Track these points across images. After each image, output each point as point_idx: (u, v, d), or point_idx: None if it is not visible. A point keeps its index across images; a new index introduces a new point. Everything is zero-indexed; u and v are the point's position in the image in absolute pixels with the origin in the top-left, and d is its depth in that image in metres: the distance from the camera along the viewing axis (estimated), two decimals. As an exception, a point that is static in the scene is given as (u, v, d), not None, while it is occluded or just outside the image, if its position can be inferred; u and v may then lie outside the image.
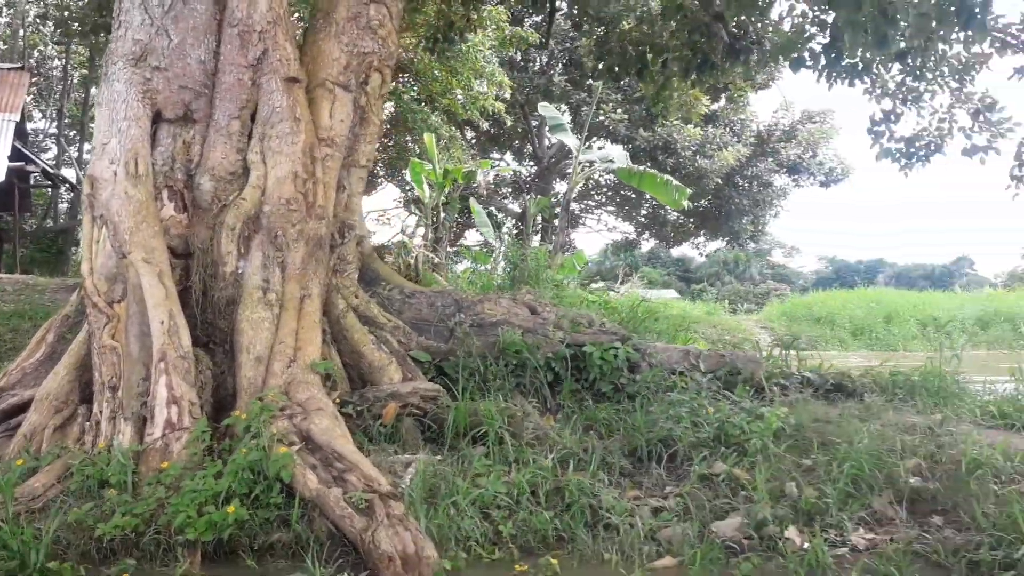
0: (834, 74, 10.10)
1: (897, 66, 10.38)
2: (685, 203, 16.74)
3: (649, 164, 25.06)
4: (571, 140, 17.27)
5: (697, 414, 6.33)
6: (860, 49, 9.16)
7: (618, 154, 18.82)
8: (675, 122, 23.47)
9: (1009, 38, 9.85)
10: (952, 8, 7.76)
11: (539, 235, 25.17)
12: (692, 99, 18.04)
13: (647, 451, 6.11)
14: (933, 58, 10.26)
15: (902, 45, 9.21)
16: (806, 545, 4.90)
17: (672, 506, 5.46)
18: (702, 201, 28.67)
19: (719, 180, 25.32)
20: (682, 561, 4.90)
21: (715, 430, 6.12)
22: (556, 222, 18.03)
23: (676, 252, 76.50)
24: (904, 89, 10.95)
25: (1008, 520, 4.65)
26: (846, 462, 5.53)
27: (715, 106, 25.96)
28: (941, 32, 8.72)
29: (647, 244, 43.28)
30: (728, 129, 26.40)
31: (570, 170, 21.51)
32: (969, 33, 8.71)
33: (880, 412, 6.53)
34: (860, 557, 4.88)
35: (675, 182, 16.09)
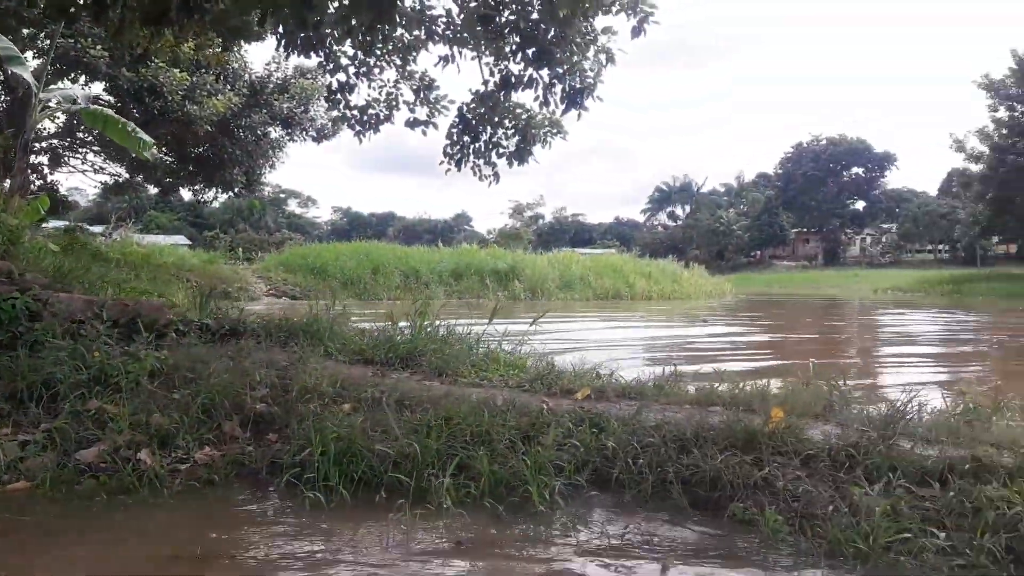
0: (291, 45, 11.21)
1: (349, 42, 11.77)
2: (151, 152, 16.69)
3: (135, 106, 24.14)
4: (28, 75, 16.12)
5: (82, 358, 6.94)
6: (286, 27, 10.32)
7: (81, 94, 17.98)
8: (161, 64, 22.94)
9: (436, 28, 11.85)
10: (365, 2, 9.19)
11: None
12: (167, 43, 17.88)
13: (28, 393, 6.58)
14: (381, 37, 11.82)
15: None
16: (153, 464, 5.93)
17: (40, 439, 6.09)
18: (197, 148, 28.40)
19: (210, 128, 25.32)
20: (36, 484, 5.63)
21: (96, 371, 6.79)
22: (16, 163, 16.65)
23: (189, 196, 73.85)
24: (357, 63, 12.50)
25: (307, 430, 6.11)
26: (202, 394, 6.66)
27: (211, 51, 25.78)
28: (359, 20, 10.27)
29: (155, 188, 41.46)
30: (220, 78, 26.44)
31: (52, 103, 20.00)
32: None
33: (252, 352, 7.76)
34: (197, 470, 6.06)
35: (140, 132, 15.97)
